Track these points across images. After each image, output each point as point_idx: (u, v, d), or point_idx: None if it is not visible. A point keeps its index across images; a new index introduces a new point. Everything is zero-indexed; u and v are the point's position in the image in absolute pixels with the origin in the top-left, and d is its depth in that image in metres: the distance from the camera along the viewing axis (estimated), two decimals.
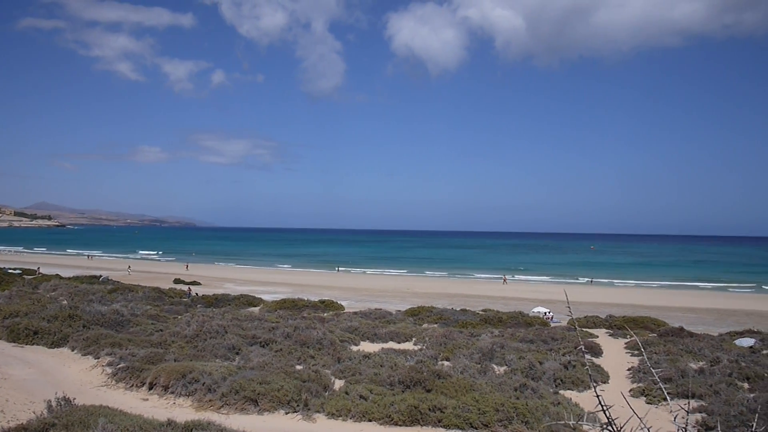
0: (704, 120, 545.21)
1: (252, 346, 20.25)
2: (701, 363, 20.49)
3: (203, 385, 14.24)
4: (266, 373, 14.96)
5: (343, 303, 39.92)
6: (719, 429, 12.93)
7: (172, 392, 14.41)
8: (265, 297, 41.81)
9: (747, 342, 26.19)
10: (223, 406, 13.54)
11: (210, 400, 13.74)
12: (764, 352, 23.61)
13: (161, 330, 22.18)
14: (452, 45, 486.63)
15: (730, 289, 68.81)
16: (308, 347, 20.22)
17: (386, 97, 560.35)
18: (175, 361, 16.58)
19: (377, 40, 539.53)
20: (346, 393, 14.11)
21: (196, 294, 42.05)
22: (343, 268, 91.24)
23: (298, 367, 17.26)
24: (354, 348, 22.36)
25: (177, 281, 56.29)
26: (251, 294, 41.93)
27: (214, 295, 40.56)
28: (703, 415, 14.51)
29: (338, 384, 15.65)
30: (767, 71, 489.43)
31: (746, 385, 17.58)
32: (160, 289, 42.15)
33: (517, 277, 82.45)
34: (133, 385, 15.28)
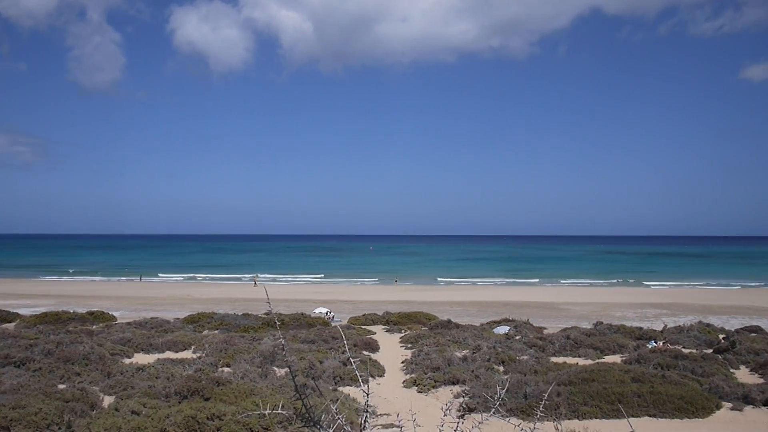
0: (481, 132, 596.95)
1: (5, 367, 18.05)
2: (465, 351, 22.49)
3: None
4: (21, 396, 13.45)
5: (116, 314, 37.21)
6: (479, 409, 14.30)
7: None
8: (23, 311, 37.50)
9: (503, 330, 29.31)
10: None
11: None
12: (517, 337, 26.56)
13: None
14: (236, 45, 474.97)
15: (488, 283, 76.36)
16: (73, 364, 18.54)
17: (168, 94, 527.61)
18: None
19: (159, 34, 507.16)
20: (116, 409, 13.20)
21: None
22: (119, 277, 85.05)
23: (61, 387, 15.79)
24: (127, 361, 21.00)
25: None
26: (5, 308, 37.26)
27: None
28: (466, 398, 15.96)
29: (108, 401, 14.59)
30: (527, 92, 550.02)
31: (501, 368, 19.69)
32: None
33: (303, 278, 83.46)
34: None
